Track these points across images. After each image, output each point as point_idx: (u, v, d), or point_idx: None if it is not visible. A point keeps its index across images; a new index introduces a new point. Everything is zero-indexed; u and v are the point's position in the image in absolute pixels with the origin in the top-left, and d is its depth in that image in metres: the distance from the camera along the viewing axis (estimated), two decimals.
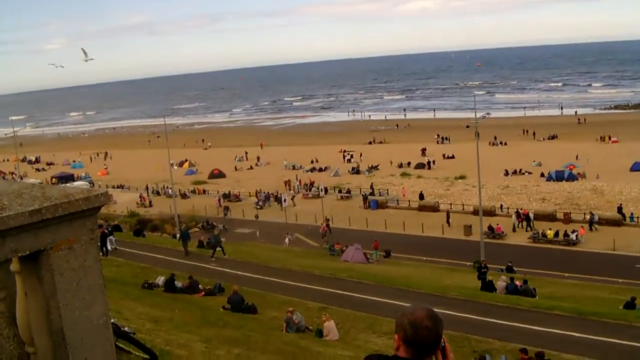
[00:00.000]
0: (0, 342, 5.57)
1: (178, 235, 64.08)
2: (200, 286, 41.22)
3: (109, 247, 56.85)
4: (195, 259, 56.51)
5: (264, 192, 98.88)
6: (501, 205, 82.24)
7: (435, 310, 4.26)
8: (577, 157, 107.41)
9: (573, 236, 67.40)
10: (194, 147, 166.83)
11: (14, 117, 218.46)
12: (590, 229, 70.78)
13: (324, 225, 77.33)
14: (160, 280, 41.07)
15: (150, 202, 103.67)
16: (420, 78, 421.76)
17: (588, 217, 73.80)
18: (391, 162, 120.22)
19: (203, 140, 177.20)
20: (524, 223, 73.98)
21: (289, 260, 59.22)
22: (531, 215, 74.05)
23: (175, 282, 40.26)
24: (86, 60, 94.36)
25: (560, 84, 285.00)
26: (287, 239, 73.87)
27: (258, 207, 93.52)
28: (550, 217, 75.10)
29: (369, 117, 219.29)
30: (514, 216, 75.11)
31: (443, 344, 4.22)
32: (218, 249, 56.48)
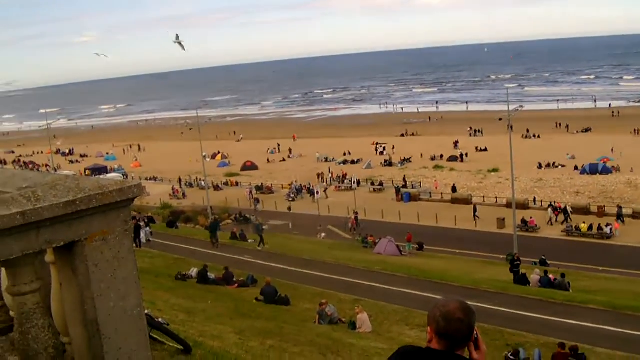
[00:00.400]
0: (35, 332, 5.59)
1: (208, 227, 64.50)
2: (234, 278, 41.38)
3: (144, 239, 57.33)
4: (226, 250, 56.76)
5: (296, 185, 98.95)
6: (534, 199, 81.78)
7: (468, 303, 4.24)
8: (612, 149, 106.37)
9: (607, 230, 66.81)
10: (227, 139, 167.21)
11: (47, 110, 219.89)
12: (617, 222, 70.30)
13: (352, 218, 77.31)
14: (193, 271, 41.23)
15: (183, 193, 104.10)
16: (452, 70, 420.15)
17: (625, 211, 73.35)
18: (421, 155, 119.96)
19: (235, 133, 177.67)
20: (561, 216, 73.42)
21: (322, 252, 59.34)
22: (569, 209, 73.39)
23: (208, 274, 40.41)
24: (176, 42, 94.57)
25: (592, 77, 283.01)
26: (321, 234, 73.95)
27: (290, 199, 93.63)
28: (584, 211, 74.50)
29: (401, 109, 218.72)
30: (550, 210, 74.41)
31: (475, 336, 4.24)
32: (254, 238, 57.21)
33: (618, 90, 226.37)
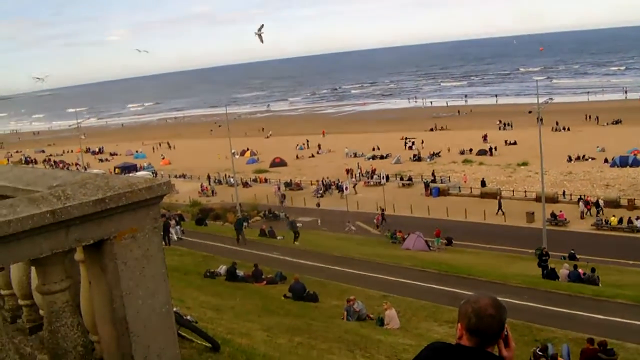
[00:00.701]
0: (65, 330, 5.69)
1: (234, 224, 64.78)
2: (262, 275, 41.53)
3: (175, 237, 57.71)
4: (255, 247, 56.95)
5: (326, 181, 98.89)
6: (564, 192, 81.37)
7: (498, 298, 4.28)
8: None
9: (637, 223, 66.36)
10: (256, 136, 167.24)
11: (76, 109, 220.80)
12: (598, 209, 70.08)
13: (379, 215, 77.14)
14: (222, 269, 41.45)
15: (213, 191, 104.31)
16: (481, 64, 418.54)
17: None
18: (449, 150, 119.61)
19: (263, 129, 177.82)
20: (593, 210, 72.94)
21: (350, 248, 59.34)
22: (601, 203, 72.88)
23: (237, 271, 40.58)
24: (257, 34, 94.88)
25: (622, 68, 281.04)
26: (350, 227, 74.05)
27: (318, 195, 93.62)
28: (614, 204, 74.07)
29: (430, 103, 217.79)
30: (581, 204, 73.89)
31: (505, 333, 4.23)
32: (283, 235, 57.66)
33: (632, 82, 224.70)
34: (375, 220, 76.14)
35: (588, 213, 72.74)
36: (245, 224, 73.13)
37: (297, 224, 65.09)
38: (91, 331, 5.93)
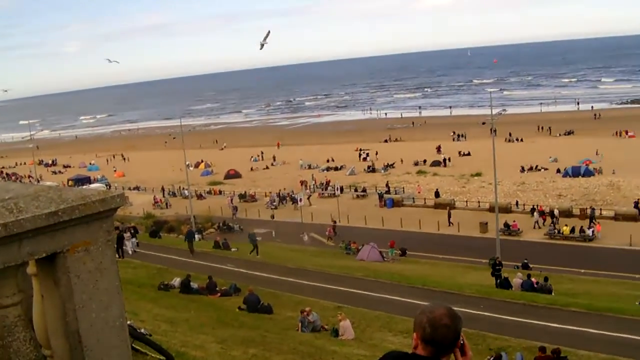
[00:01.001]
0: (17, 345, 5.66)
1: (184, 236, 64.65)
2: (217, 287, 41.45)
3: (130, 250, 57.41)
4: (209, 259, 56.87)
5: (280, 192, 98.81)
6: (517, 202, 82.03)
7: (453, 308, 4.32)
8: (597, 152, 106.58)
9: (589, 232, 67.13)
10: (210, 148, 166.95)
11: (29, 121, 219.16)
12: (590, 224, 70.68)
13: (330, 227, 77.20)
14: (176, 281, 41.31)
15: (167, 203, 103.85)
16: (435, 75, 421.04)
17: (606, 212, 73.84)
18: (402, 161, 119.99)
19: (216, 142, 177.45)
20: (548, 220, 73.34)
21: (305, 259, 59.46)
22: (556, 213, 73.44)
23: (191, 283, 40.47)
24: (263, 43, 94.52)
25: (574, 80, 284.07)
26: (305, 236, 74.14)
27: (272, 207, 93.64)
28: (567, 213, 74.73)
29: (385, 115, 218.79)
30: (536, 214, 74.39)
31: (462, 342, 4.24)
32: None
33: (597, 92, 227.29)
34: (327, 232, 76.21)
35: (543, 223, 73.32)
36: (198, 236, 73.17)
37: (257, 237, 65.01)
38: (44, 345, 5.91)
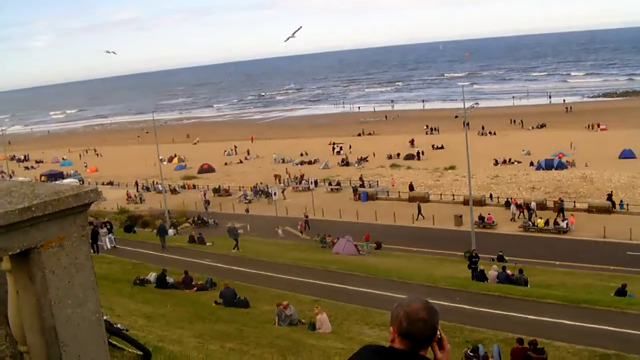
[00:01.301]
0: None
1: (156, 230, 64.32)
2: (192, 281, 41.29)
3: (108, 246, 57.06)
4: (185, 253, 56.70)
5: (258, 186, 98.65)
6: (491, 195, 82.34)
7: (430, 301, 4.24)
8: (572, 145, 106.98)
9: (563, 224, 67.45)
10: (183, 142, 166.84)
11: None
12: (558, 216, 71.05)
13: (302, 221, 77.31)
14: (152, 276, 41.09)
15: (140, 198, 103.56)
16: (407, 69, 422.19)
17: (580, 205, 74.24)
18: (374, 154, 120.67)
19: (188, 136, 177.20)
20: (526, 213, 73.43)
21: (280, 253, 59.39)
22: (533, 205, 73.62)
23: (167, 278, 40.28)
24: (291, 37, 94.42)
25: (545, 73, 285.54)
26: (280, 230, 73.97)
27: (246, 201, 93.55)
28: (541, 206, 75.01)
29: (358, 109, 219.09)
30: (513, 206, 74.57)
31: (439, 336, 4.19)
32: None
33: (568, 86, 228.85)
34: (299, 226, 76.15)
35: (518, 216, 73.48)
36: (173, 230, 72.94)
37: (239, 231, 64.63)
38: (20, 342, 5.80)
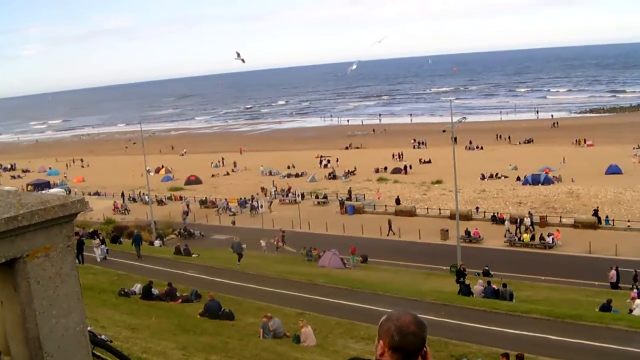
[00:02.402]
0: None
1: (131, 240, 64.12)
2: (177, 293, 41.21)
3: (99, 258, 56.81)
4: (171, 265, 56.60)
5: (240, 199, 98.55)
6: (477, 209, 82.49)
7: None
8: (563, 160, 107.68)
9: (549, 239, 67.49)
10: (171, 154, 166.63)
11: None
12: (527, 230, 71.22)
13: (278, 237, 75.68)
14: (137, 287, 41.01)
15: (126, 209, 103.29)
16: (395, 83, 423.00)
17: (566, 220, 74.47)
18: (357, 168, 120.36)
19: (172, 148, 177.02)
20: (522, 228, 72.99)
21: (266, 266, 59.25)
22: (527, 222, 73.25)
23: (152, 290, 40.19)
24: (237, 59, 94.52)
25: (530, 89, 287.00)
26: (263, 243, 73.54)
27: (230, 213, 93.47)
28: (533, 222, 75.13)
29: (347, 122, 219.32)
30: (507, 222, 74.28)
31: (425, 349, 4.22)
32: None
33: (553, 102, 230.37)
34: (274, 242, 75.32)
35: (518, 231, 73.15)
36: (159, 242, 72.85)
37: (243, 245, 63.39)
38: (3, 352, 5.79)
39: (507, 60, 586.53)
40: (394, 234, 76.34)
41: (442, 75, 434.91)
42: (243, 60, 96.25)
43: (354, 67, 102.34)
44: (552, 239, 67.55)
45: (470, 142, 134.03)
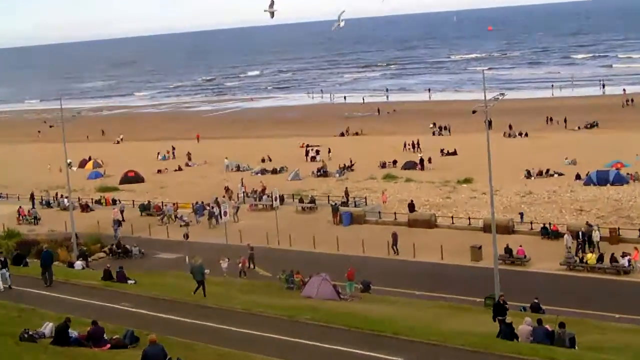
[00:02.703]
0: None
1: (39, 259, 62.91)
2: (105, 335, 40.09)
3: (1, 286, 55.42)
4: (97, 295, 55.48)
5: (196, 203, 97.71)
6: (521, 217, 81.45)
7: None
8: (638, 154, 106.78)
9: (624, 261, 66.15)
10: (101, 141, 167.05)
11: None
12: (592, 248, 70.24)
13: (244, 258, 74.23)
14: (47, 328, 39.90)
15: (36, 217, 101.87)
16: (408, 47, 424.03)
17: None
18: (353, 162, 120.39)
19: (103, 133, 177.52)
20: (586, 246, 71.52)
21: (230, 296, 58.39)
22: (595, 236, 71.44)
23: (70, 331, 39.07)
24: (268, 11, 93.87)
25: (589, 55, 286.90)
26: (224, 264, 72.31)
27: (182, 223, 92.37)
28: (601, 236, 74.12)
29: (343, 99, 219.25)
30: (566, 237, 72.02)
31: None
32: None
33: (622, 71, 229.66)
34: (240, 265, 73.63)
35: (580, 249, 71.75)
36: (82, 262, 71.80)
37: (205, 270, 61.54)
38: None
39: (560, 16, 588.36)
40: (397, 253, 75.83)
41: (471, 37, 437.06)
42: (272, 14, 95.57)
43: (342, 23, 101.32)
44: (628, 260, 66.28)
45: (511, 127, 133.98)
